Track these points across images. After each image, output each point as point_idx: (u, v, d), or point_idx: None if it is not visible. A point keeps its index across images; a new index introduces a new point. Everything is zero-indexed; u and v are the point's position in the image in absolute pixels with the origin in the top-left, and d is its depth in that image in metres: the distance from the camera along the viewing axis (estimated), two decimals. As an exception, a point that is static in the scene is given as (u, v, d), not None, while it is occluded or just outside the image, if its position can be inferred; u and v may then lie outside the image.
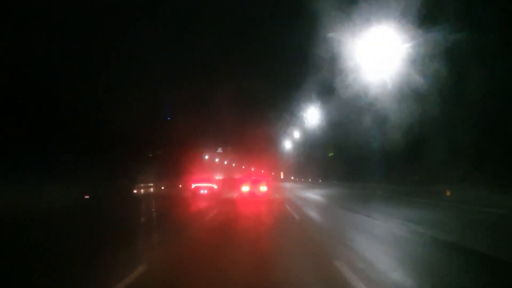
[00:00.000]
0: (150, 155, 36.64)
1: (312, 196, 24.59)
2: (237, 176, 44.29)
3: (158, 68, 43.58)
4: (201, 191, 25.21)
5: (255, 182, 23.15)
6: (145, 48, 37.49)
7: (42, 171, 17.51)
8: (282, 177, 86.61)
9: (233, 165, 72.95)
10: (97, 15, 23.78)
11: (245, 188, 22.66)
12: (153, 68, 39.14)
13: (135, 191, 24.01)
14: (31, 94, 18.43)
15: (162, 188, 30.13)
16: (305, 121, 48.02)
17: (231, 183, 31.38)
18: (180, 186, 32.87)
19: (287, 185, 51.37)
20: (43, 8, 18.73)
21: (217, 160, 67.04)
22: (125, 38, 30.63)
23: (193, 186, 25.82)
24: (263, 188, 22.26)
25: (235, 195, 23.96)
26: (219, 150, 62.42)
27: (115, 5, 28.96)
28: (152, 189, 26.39)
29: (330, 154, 46.06)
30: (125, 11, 32.99)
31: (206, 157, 58.50)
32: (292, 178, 74.76)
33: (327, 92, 35.28)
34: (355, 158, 34.54)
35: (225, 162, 71.26)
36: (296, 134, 55.45)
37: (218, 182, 29.97)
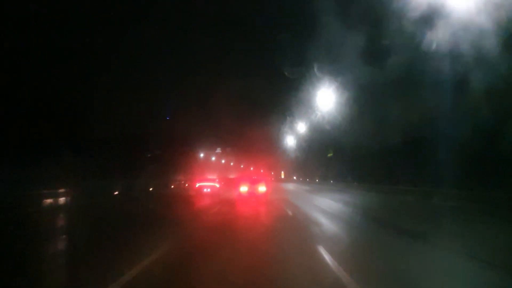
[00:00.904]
0: (149, 155, 34.20)
1: (340, 208, 16.50)
2: (232, 175, 40.90)
3: (158, 68, 41.70)
4: (205, 190, 26.45)
5: (253, 182, 22.09)
6: (144, 47, 35.48)
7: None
8: (282, 176, 78.88)
9: (231, 164, 66.91)
10: (95, 14, 23.61)
11: (243, 189, 21.53)
12: (152, 68, 37.58)
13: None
14: (29, 94, 18.34)
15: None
16: (313, 111, 39.64)
17: (225, 183, 31.04)
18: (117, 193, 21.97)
19: (290, 186, 43.31)
20: (42, 7, 18.83)
21: (213, 158, 60.56)
22: (124, 37, 30.19)
23: (197, 185, 27.25)
24: (262, 189, 21.26)
25: (223, 198, 20.95)
26: (218, 150, 57.48)
27: (114, 4, 28.33)
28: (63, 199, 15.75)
29: (330, 155, 41.96)
30: (123, 10, 30.82)
31: (202, 155, 53.24)
32: (295, 178, 66.66)
33: (344, 70, 27.74)
34: (381, 153, 26.82)
35: (223, 161, 64.97)
36: (301, 128, 47.31)
37: (219, 181, 29.99)
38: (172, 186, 32.64)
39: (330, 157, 39.29)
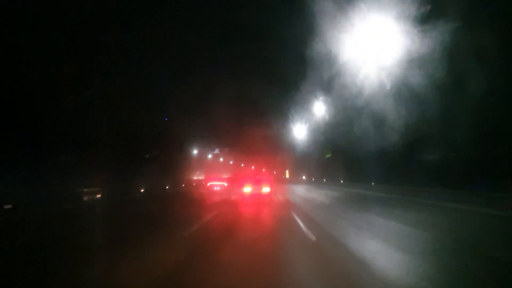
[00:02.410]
0: (147, 156, 35.15)
1: None
2: (225, 175, 37.24)
3: (156, 68, 42.21)
4: (215, 188, 29.50)
5: (256, 183, 21.38)
6: (143, 48, 36.67)
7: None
8: (287, 176, 67.24)
9: (231, 162, 62.36)
10: (93, 14, 22.40)
11: (247, 189, 20.68)
12: (151, 68, 38.18)
13: None
14: (26, 94, 18.40)
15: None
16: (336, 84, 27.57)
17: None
18: None
19: (302, 190, 31.27)
20: (40, 6, 19.00)
21: (210, 156, 58.48)
22: (121, 38, 30.08)
23: (209, 184, 30.87)
24: (266, 189, 20.69)
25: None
26: (216, 151, 57.14)
27: (113, 4, 27.55)
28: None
29: (328, 155, 38.70)
30: (122, 10, 30.99)
31: (195, 152, 51.03)
32: (304, 177, 54.78)
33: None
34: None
35: (221, 159, 60.64)
36: (319, 110, 35.57)
37: (226, 180, 32.16)
38: (183, 185, 36.12)
39: (362, 151, 27.54)
